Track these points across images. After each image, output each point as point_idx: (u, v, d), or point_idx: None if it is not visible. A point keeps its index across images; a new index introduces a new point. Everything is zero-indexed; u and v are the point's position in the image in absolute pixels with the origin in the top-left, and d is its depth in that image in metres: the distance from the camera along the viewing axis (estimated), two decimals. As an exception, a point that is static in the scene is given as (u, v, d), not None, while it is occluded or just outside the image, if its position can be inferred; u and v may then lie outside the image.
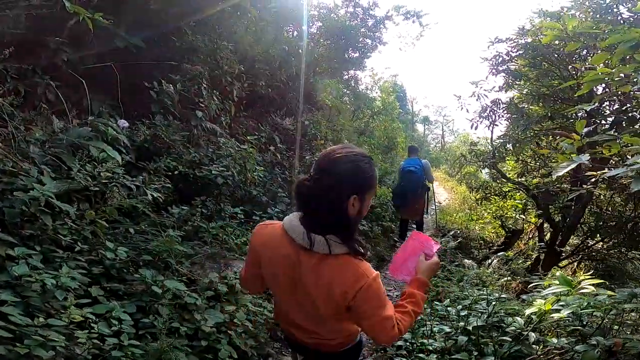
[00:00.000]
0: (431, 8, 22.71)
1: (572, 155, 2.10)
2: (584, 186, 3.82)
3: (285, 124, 6.13)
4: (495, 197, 6.14)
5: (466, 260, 5.90)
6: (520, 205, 6.67)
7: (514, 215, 6.57)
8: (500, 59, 4.85)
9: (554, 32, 2.30)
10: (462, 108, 6.06)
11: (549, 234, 5.31)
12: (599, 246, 4.82)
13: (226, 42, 5.63)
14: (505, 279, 4.60)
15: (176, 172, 3.39)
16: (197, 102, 4.40)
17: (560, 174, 1.90)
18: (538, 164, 5.79)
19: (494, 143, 5.48)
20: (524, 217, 6.71)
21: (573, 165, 1.93)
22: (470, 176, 16.52)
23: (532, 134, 5.40)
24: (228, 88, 5.60)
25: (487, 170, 6.35)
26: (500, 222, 6.94)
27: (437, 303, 2.81)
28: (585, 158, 1.85)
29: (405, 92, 19.88)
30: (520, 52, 4.57)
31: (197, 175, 3.51)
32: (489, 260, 6.07)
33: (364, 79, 13.38)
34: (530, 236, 7.17)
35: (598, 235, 4.43)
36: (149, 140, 3.65)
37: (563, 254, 4.63)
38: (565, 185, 4.91)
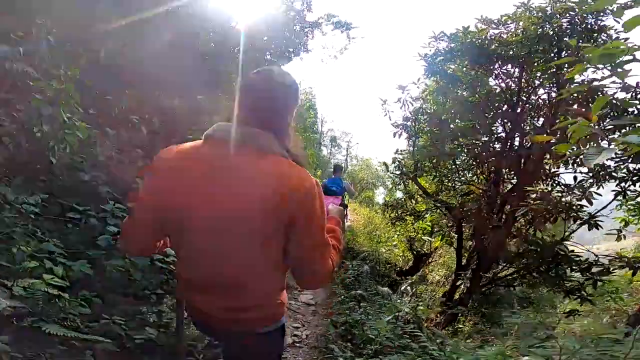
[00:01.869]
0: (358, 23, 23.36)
1: (586, 138, 1.36)
2: (531, 203, 3.44)
3: (173, 104, 4.61)
4: (409, 218, 5.64)
5: (380, 287, 5.16)
6: (429, 228, 6.35)
7: (422, 237, 6.18)
8: (440, 57, 4.38)
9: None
10: (385, 114, 5.48)
11: (464, 259, 4.92)
12: (509, 271, 4.57)
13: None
14: (420, 307, 3.89)
15: None
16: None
17: (595, 162, 1.11)
18: (451, 183, 5.49)
19: (416, 156, 4.95)
20: (431, 239, 6.41)
21: (609, 155, 1.17)
22: (368, 200, 16.85)
23: (450, 148, 5.05)
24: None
25: (401, 187, 5.87)
26: (408, 245, 6.51)
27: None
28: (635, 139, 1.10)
29: (317, 110, 19.68)
30: (463, 49, 4.14)
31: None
32: (402, 287, 5.48)
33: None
34: (436, 259, 6.93)
35: (519, 260, 4.12)
36: None
37: (483, 280, 4.22)
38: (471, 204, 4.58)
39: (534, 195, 3.21)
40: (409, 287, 5.00)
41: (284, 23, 11.91)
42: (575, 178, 4.40)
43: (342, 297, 3.94)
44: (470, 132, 5.16)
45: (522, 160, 4.26)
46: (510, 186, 4.92)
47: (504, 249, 3.98)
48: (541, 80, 4.44)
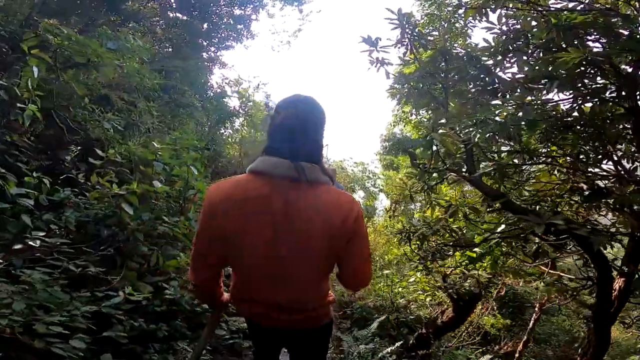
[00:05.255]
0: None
1: None
2: None
3: None
4: (451, 249, 3.11)
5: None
6: (474, 255, 3.84)
7: (473, 273, 3.68)
8: None
9: None
10: (377, 68, 2.95)
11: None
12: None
13: None
14: None
15: None
16: None
17: None
18: (516, 177, 3.01)
19: (475, 133, 2.39)
20: (478, 273, 3.91)
21: None
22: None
23: (511, 116, 2.57)
24: None
25: (425, 198, 3.34)
26: (444, 286, 3.97)
27: None
28: None
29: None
30: None
31: None
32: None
33: (217, 77, 9.85)
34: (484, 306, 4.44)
35: None
36: None
37: None
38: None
39: None
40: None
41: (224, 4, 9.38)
42: None
43: None
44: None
45: None
46: None
47: None
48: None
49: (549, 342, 7.21)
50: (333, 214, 1.05)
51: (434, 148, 2.16)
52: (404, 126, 9.85)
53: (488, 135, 2.55)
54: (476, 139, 2.20)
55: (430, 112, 3.15)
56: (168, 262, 2.24)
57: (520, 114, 2.41)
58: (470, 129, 2.43)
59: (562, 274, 3.00)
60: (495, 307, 6.45)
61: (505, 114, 2.44)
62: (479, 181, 2.29)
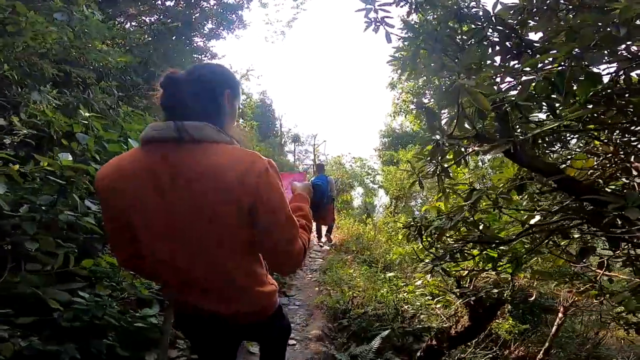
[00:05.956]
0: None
1: None
2: None
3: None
4: (473, 250, 2.52)
5: None
6: (495, 254, 3.24)
7: (502, 277, 3.10)
8: None
9: None
10: (376, 29, 2.34)
11: None
12: None
13: None
14: None
15: None
16: None
17: None
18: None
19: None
20: (512, 277, 3.32)
21: None
22: (346, 204, 13.60)
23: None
24: None
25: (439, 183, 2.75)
26: (460, 292, 3.38)
27: None
28: None
29: (272, 104, 16.32)
30: None
31: None
32: None
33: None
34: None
35: None
36: None
37: None
38: None
39: None
40: None
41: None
42: None
43: None
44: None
45: None
46: None
47: None
48: None
49: (562, 346, 6.71)
50: (228, 173, 0.89)
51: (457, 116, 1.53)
52: (405, 116, 9.27)
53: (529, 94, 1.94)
54: (515, 98, 1.60)
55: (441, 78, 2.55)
56: (83, 262, 1.66)
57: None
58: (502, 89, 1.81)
59: (616, 275, 2.40)
60: (507, 311, 5.89)
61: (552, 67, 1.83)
62: (523, 151, 1.67)
